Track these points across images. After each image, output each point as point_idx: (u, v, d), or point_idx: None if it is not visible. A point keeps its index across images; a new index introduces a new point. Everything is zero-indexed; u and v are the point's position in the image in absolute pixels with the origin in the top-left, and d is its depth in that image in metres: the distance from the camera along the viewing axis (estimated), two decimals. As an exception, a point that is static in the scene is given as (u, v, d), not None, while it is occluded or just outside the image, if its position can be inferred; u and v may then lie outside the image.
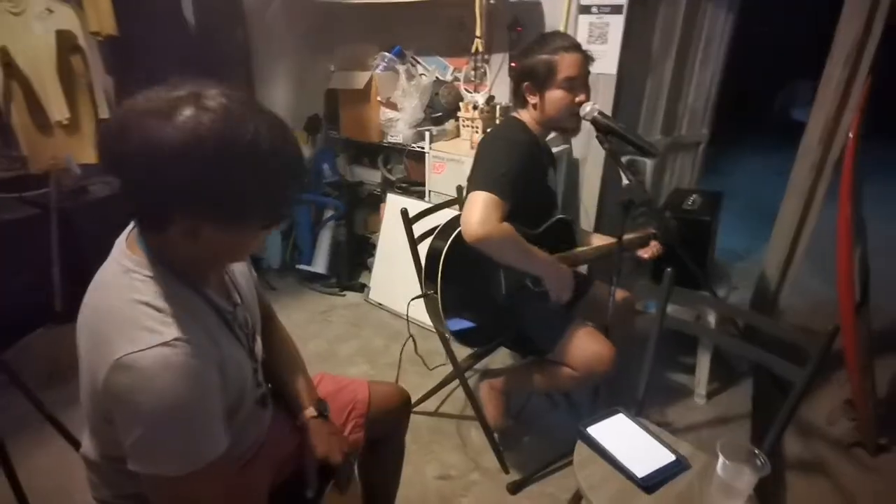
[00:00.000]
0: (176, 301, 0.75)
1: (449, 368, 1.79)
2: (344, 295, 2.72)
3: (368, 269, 2.77)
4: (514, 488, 1.66)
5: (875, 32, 1.73)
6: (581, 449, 1.23)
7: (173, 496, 0.74)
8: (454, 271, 1.42)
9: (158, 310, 0.72)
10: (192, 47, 2.59)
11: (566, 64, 1.43)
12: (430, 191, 2.46)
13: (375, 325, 2.50)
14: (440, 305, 1.43)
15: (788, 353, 1.19)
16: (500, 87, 2.43)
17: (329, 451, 1.04)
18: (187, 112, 0.64)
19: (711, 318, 1.95)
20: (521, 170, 1.42)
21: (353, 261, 2.80)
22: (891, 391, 2.10)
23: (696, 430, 1.92)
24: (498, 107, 2.29)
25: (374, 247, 2.73)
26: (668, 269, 1.33)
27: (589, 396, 1.83)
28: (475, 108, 2.28)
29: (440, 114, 2.49)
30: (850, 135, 1.85)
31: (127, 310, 0.71)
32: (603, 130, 1.40)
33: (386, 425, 1.24)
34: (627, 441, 1.23)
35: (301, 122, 2.81)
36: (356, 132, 2.62)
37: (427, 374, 2.11)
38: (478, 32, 2.20)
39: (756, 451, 1.04)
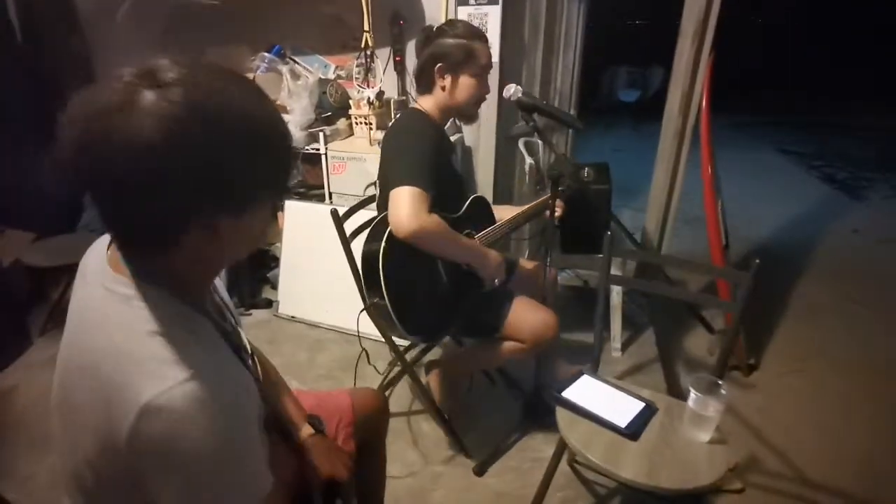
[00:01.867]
0: (189, 326, 0.65)
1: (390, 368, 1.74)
2: (250, 314, 2.51)
3: (271, 282, 2.57)
4: (480, 470, 1.69)
5: (713, 14, 2.03)
6: (562, 413, 1.30)
7: None
8: (395, 272, 1.39)
9: (176, 340, 0.61)
10: (18, 57, 2.17)
11: (482, 52, 1.47)
12: (331, 193, 2.36)
13: (293, 339, 2.34)
14: (390, 310, 1.39)
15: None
16: (388, 81, 2.40)
17: (334, 469, 0.99)
18: (149, 96, 0.53)
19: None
20: (434, 158, 1.43)
21: (254, 277, 2.58)
22: (747, 317, 2.50)
23: (621, 379, 2.11)
24: (392, 101, 2.27)
25: (274, 259, 2.55)
26: (608, 234, 1.44)
27: (524, 368, 1.92)
28: (370, 104, 2.23)
29: (330, 113, 2.39)
30: (703, 104, 2.17)
31: (140, 345, 0.60)
32: (528, 109, 1.46)
33: (369, 431, 1.21)
34: (599, 398, 1.33)
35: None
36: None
37: (363, 378, 2.04)
38: (366, 27, 2.15)
39: (719, 382, 1.18)
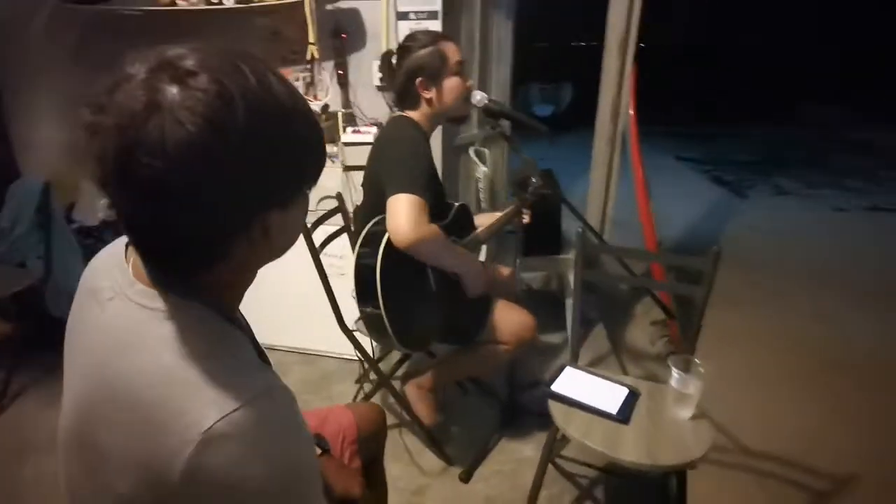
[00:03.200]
0: (233, 343, 0.59)
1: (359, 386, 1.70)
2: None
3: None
4: (466, 477, 1.68)
5: (633, 30, 2.22)
6: (555, 407, 1.33)
7: None
8: (390, 282, 1.37)
9: (228, 359, 0.56)
10: None
11: (451, 51, 1.48)
12: (280, 210, 2.27)
13: (247, 369, 2.20)
14: (385, 320, 1.36)
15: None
16: (331, 95, 2.37)
17: (347, 487, 0.97)
18: (175, 90, 0.47)
19: (571, 277, 2.26)
20: (427, 166, 1.44)
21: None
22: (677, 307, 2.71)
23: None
24: (339, 114, 2.23)
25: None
26: (579, 230, 1.51)
27: (497, 377, 1.96)
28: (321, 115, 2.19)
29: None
30: (631, 112, 2.36)
31: (193, 367, 0.53)
32: (494, 115, 1.50)
33: (370, 446, 1.17)
34: (586, 388, 1.38)
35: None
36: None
37: (334, 398, 1.98)
38: (311, 38, 2.10)
39: (697, 361, 1.28)
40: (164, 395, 0.52)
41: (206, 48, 0.52)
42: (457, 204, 1.65)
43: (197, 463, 0.49)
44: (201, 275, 0.56)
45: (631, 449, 1.20)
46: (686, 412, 1.29)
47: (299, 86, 2.33)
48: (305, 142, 0.57)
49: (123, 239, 0.65)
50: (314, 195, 2.20)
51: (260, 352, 0.69)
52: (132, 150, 0.46)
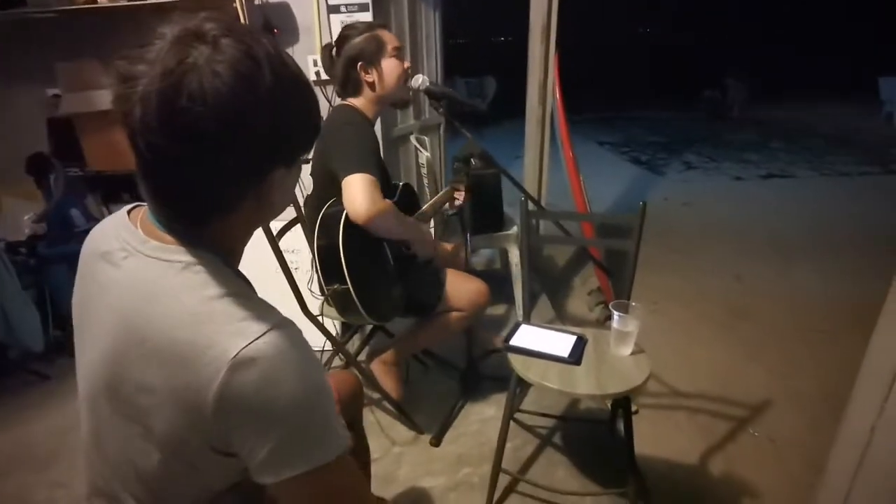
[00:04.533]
0: (245, 286, 0.66)
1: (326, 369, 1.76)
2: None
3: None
4: (436, 441, 1.78)
5: (553, 16, 2.40)
6: (514, 359, 1.46)
7: (323, 490, 0.63)
8: (353, 259, 1.44)
9: (245, 298, 0.61)
10: None
11: (388, 36, 1.57)
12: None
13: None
14: (353, 295, 1.44)
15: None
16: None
17: None
18: (208, 50, 0.53)
19: (514, 252, 2.40)
20: (374, 147, 1.52)
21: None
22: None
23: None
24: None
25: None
26: (522, 198, 1.64)
27: (452, 350, 2.07)
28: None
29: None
30: (557, 95, 2.54)
31: (215, 306, 0.59)
32: (437, 97, 1.60)
33: (350, 412, 1.22)
34: (540, 340, 1.52)
35: (18, 166, 2.16)
36: (109, 162, 2.18)
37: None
38: (244, 34, 2.12)
39: (634, 304, 1.44)
40: (191, 333, 0.58)
41: (221, 19, 0.57)
42: (401, 184, 1.74)
43: (229, 386, 0.55)
44: (213, 224, 0.62)
45: (583, 384, 1.34)
46: (627, 349, 1.45)
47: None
48: (310, 109, 0.64)
49: (124, 209, 0.70)
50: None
51: None
52: (176, 94, 0.52)
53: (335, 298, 1.46)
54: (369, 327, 1.99)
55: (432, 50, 2.94)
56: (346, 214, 1.41)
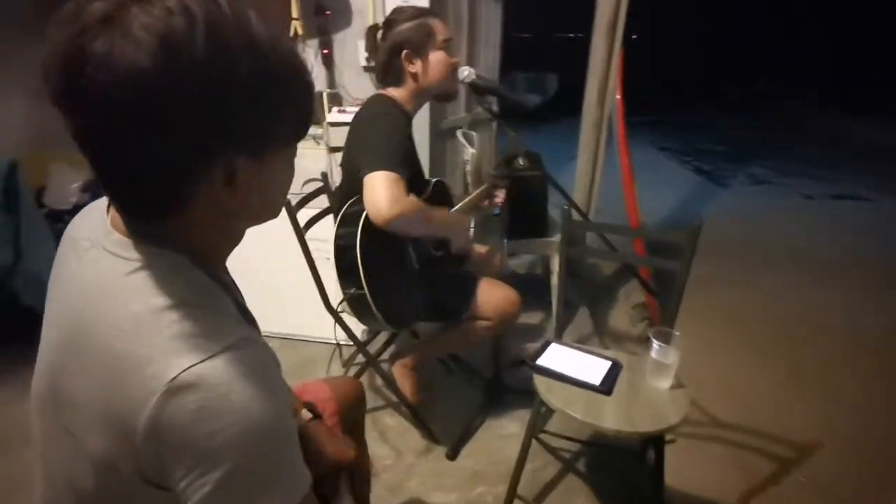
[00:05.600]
0: (209, 294, 0.57)
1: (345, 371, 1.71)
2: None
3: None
4: (452, 454, 1.70)
5: (622, 12, 2.23)
6: (539, 380, 1.35)
7: None
8: (372, 262, 1.37)
9: (204, 309, 0.53)
10: None
11: (439, 26, 1.47)
12: (263, 191, 2.25)
13: (231, 351, 2.19)
14: (370, 300, 1.37)
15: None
16: (317, 75, 2.34)
17: (339, 452, 0.94)
18: (139, 8, 0.45)
19: (556, 261, 2.28)
20: (405, 142, 1.43)
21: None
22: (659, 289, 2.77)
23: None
24: (324, 94, 2.22)
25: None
26: (565, 206, 1.52)
27: (478, 355, 1.98)
28: (301, 96, 2.16)
29: (255, 108, 2.28)
30: (618, 96, 2.38)
31: (164, 316, 0.51)
32: (482, 92, 1.50)
33: (350, 420, 1.15)
34: (570, 362, 1.40)
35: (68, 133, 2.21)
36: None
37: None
38: (294, 14, 2.08)
39: (676, 334, 1.31)
40: (131, 344, 0.50)
41: None
42: (434, 180, 1.65)
43: (162, 413, 0.47)
44: (168, 220, 0.54)
45: (612, 417, 1.22)
46: (665, 382, 1.32)
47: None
48: (284, 88, 0.54)
49: None
50: (297, 176, 2.20)
51: (245, 311, 0.67)
52: (77, 61, 0.44)
53: (351, 303, 1.39)
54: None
55: (491, 42, 2.83)
56: (366, 215, 1.33)
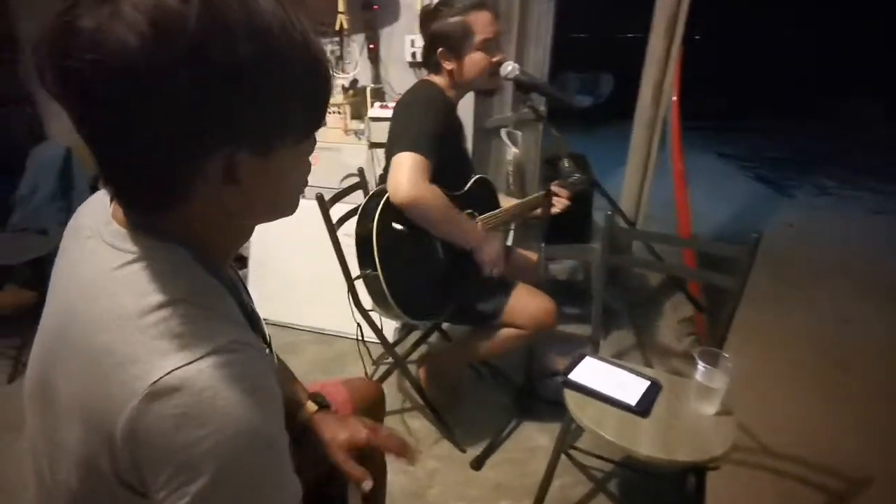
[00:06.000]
0: (208, 292, 0.54)
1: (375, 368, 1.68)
2: (215, 317, 2.34)
3: (238, 282, 2.42)
4: (477, 464, 1.64)
5: (683, 9, 2.10)
6: (570, 395, 1.28)
7: None
8: (390, 244, 1.34)
9: (198, 307, 0.50)
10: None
11: (480, 24, 1.41)
12: (303, 185, 2.26)
13: (265, 342, 2.21)
14: (382, 282, 1.33)
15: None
16: (362, 71, 2.33)
17: (352, 432, 0.87)
18: None
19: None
20: (438, 129, 1.38)
21: (217, 277, 2.42)
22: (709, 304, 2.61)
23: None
24: (368, 89, 2.20)
25: (241, 259, 2.40)
26: (608, 212, 1.44)
27: (510, 361, 1.91)
28: (344, 91, 2.16)
29: (300, 101, 2.29)
30: (674, 98, 2.25)
31: (148, 315, 0.48)
32: (525, 89, 1.44)
33: None
34: (605, 378, 1.32)
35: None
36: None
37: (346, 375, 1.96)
38: (340, 7, 2.07)
39: (725, 355, 1.20)
40: (116, 341, 0.48)
41: None
42: (476, 177, 1.59)
43: (142, 416, 0.45)
44: (173, 215, 0.51)
45: (647, 442, 1.13)
46: (710, 408, 1.21)
47: (330, 60, 2.30)
48: (292, 77, 0.49)
49: None
50: (337, 172, 2.21)
51: (248, 313, 0.63)
52: (65, 40, 0.42)
53: (367, 284, 1.36)
54: (425, 329, 1.89)
55: (542, 40, 2.74)
56: (388, 196, 1.32)
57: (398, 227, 1.36)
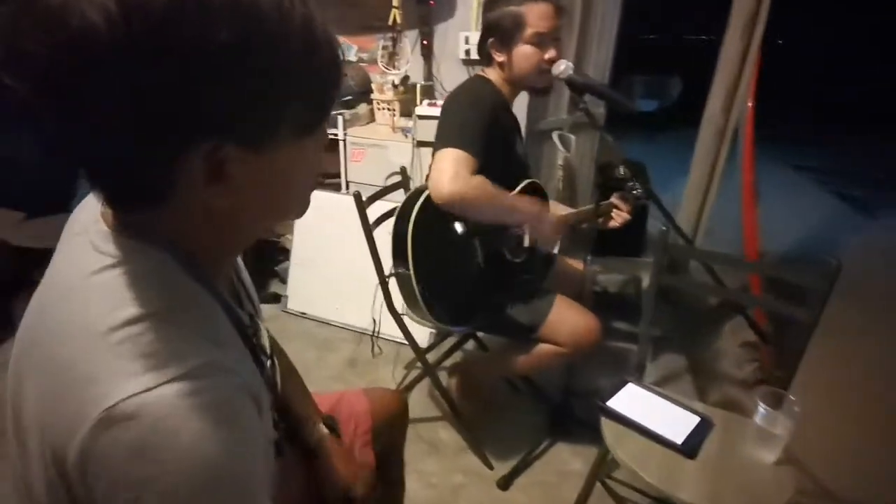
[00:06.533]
0: (190, 304, 0.48)
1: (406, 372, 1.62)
2: (256, 308, 2.36)
3: (280, 276, 2.44)
4: (504, 483, 1.55)
5: (763, 9, 1.92)
6: (609, 426, 1.17)
7: None
8: (424, 243, 1.28)
9: (174, 323, 0.45)
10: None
11: (535, 16, 1.33)
12: (348, 181, 2.24)
13: (302, 337, 2.20)
14: (413, 282, 1.27)
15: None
16: (414, 66, 2.28)
17: (352, 478, 0.86)
18: None
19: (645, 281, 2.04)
20: (485, 126, 1.30)
21: (260, 269, 2.44)
22: (776, 331, 2.40)
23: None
24: (418, 86, 2.15)
25: (284, 251, 2.41)
26: (663, 227, 1.31)
27: (549, 375, 1.80)
28: (394, 87, 2.11)
29: (350, 97, 2.27)
30: (749, 104, 2.06)
31: (115, 330, 0.43)
32: (579, 90, 1.34)
33: (387, 437, 1.06)
34: (649, 409, 1.20)
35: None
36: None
37: (377, 382, 1.92)
38: (394, 2, 2.03)
39: (791, 398, 1.06)
40: (79, 355, 0.43)
41: None
42: (527, 181, 1.50)
43: (94, 444, 0.40)
44: (147, 211, 0.46)
45: (692, 488, 1.01)
46: (769, 455, 1.07)
47: (382, 55, 2.27)
48: (285, 66, 0.43)
49: None
50: (382, 169, 2.17)
51: (242, 327, 0.56)
52: (24, 17, 0.37)
53: (399, 283, 1.31)
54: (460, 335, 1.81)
55: (605, 41, 2.60)
56: (428, 192, 1.25)
57: (455, 226, 1.29)
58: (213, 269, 0.53)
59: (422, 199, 1.28)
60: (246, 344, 0.57)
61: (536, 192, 1.54)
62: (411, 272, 1.27)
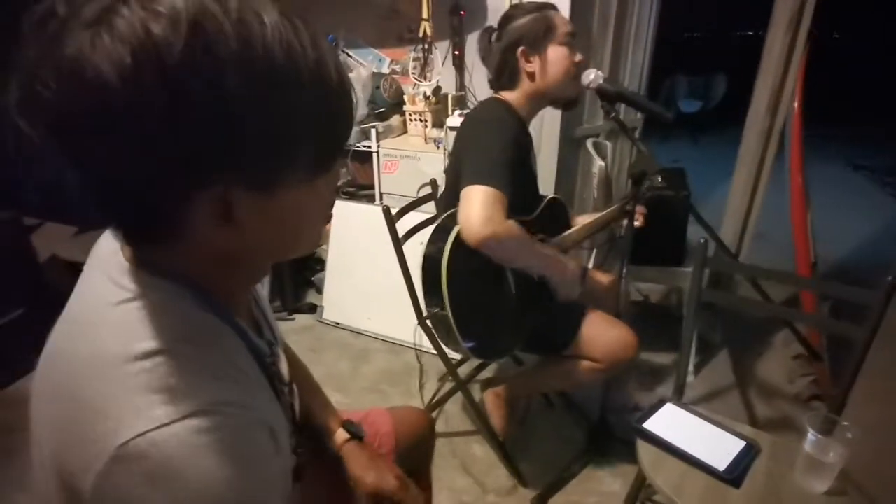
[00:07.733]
0: (209, 341, 0.49)
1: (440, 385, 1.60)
2: (293, 318, 2.40)
3: (316, 286, 2.47)
4: (539, 502, 1.51)
5: (808, 5, 1.82)
6: (645, 449, 1.12)
7: None
8: (459, 282, 1.23)
9: (189, 359, 0.45)
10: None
11: (560, 20, 1.31)
12: (381, 193, 2.25)
13: (336, 348, 2.22)
14: (452, 324, 1.24)
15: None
16: (446, 77, 2.28)
17: (381, 480, 0.84)
18: (127, 12, 0.37)
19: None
20: (513, 155, 1.26)
21: (297, 279, 2.49)
22: (831, 344, 2.26)
23: (695, 406, 1.90)
24: (449, 97, 2.14)
25: (320, 262, 2.45)
26: (702, 239, 1.25)
27: (587, 391, 1.75)
28: (426, 99, 2.11)
29: (383, 109, 2.29)
30: (795, 104, 1.95)
31: (129, 362, 0.43)
32: (611, 98, 1.29)
33: (413, 458, 1.04)
34: (689, 432, 1.14)
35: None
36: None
37: (411, 394, 1.91)
38: (424, 14, 2.03)
39: (844, 424, 0.98)
40: (90, 390, 0.43)
41: None
42: (548, 197, 1.47)
43: (107, 480, 0.40)
44: (169, 252, 0.47)
45: (736, 520, 0.95)
46: (820, 485, 1.00)
47: (414, 66, 2.28)
48: (297, 112, 0.43)
49: None
50: (415, 180, 2.16)
51: (260, 357, 0.57)
52: (41, 62, 0.38)
53: (435, 323, 1.28)
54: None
55: (641, 43, 2.53)
56: (459, 230, 1.20)
57: (486, 258, 1.25)
58: (230, 301, 0.54)
59: (453, 237, 1.22)
60: (264, 372, 0.57)
61: (557, 205, 1.50)
62: (448, 313, 1.23)
